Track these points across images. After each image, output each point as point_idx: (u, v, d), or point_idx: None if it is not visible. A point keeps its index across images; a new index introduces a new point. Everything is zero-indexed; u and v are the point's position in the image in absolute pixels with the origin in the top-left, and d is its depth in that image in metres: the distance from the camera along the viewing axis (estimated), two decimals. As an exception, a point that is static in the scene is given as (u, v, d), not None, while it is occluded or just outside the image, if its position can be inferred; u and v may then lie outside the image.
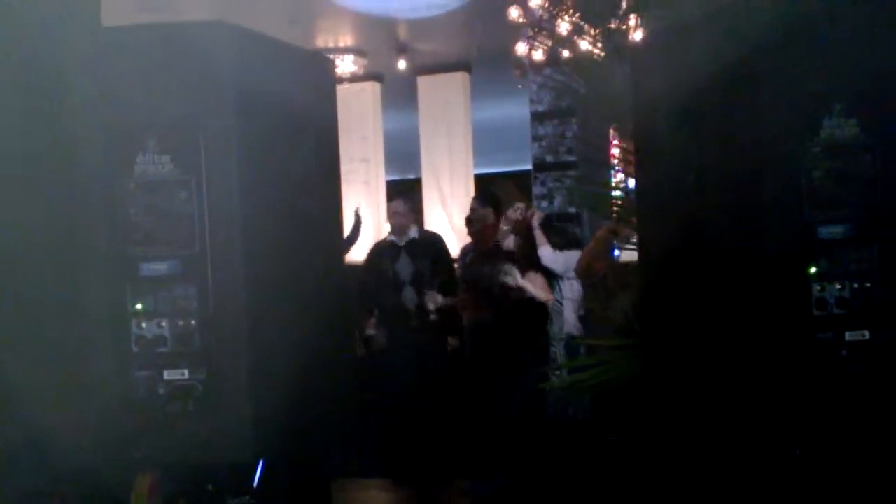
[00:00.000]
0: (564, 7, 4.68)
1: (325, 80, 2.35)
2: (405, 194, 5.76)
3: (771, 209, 2.01)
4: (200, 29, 1.96)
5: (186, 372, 1.96)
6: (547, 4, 4.81)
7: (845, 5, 1.98)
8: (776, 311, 2.03)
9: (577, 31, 4.91)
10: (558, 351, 4.85)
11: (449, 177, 10.05)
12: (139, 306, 1.95)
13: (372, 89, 10.21)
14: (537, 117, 7.89)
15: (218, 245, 1.94)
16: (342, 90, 9.77)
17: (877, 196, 1.99)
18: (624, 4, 4.27)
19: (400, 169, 12.41)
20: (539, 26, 4.91)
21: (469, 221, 5.84)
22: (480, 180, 10.62)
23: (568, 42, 4.60)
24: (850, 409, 2.01)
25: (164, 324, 1.96)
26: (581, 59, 4.05)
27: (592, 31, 4.66)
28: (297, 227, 2.14)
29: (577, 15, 4.84)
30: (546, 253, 4.79)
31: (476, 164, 10.54)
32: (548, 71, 5.07)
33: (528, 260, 4.78)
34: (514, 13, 5.07)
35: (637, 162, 2.43)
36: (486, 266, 4.78)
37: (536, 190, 8.09)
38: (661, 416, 2.49)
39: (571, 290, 4.87)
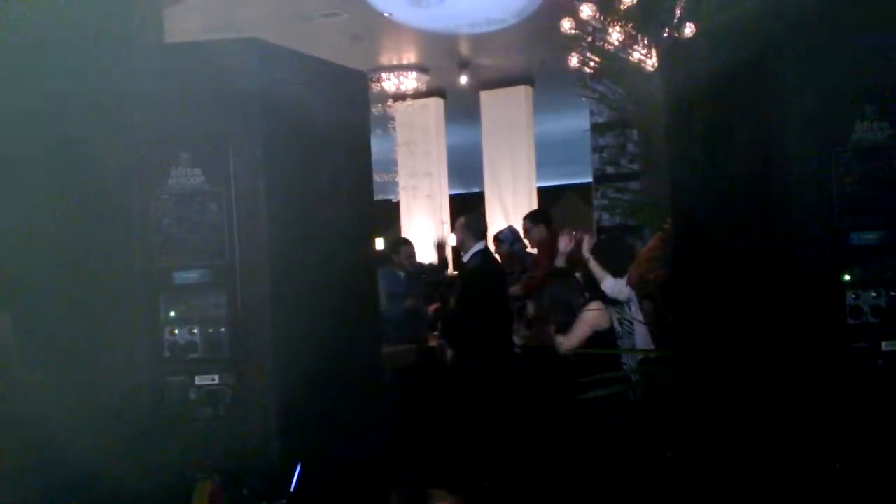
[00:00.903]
0: (616, 17, 4.65)
1: (357, 94, 2.40)
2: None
3: (802, 216, 1.96)
4: (232, 46, 2.03)
5: (217, 377, 2.02)
6: (598, 15, 4.79)
7: (875, 5, 1.92)
8: (810, 321, 1.97)
9: (631, 41, 4.87)
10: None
11: (512, 190, 10.07)
12: (172, 313, 2.03)
13: (435, 105, 10.33)
14: (598, 128, 7.83)
15: (246, 255, 2.00)
16: (405, 106, 9.94)
17: (912, 201, 1.92)
18: (678, 13, 4.23)
19: (464, 183, 12.49)
20: (592, 37, 4.88)
21: (498, 241, 5.79)
22: (543, 193, 10.59)
23: (620, 52, 4.56)
24: (889, 421, 1.94)
25: (195, 330, 2.03)
26: (630, 70, 4.01)
27: (645, 41, 4.62)
28: (325, 239, 2.19)
29: (630, 25, 4.81)
30: (608, 285, 4.61)
31: (539, 177, 10.53)
32: (606, 81, 5.04)
33: (591, 290, 4.70)
34: (567, 24, 5.05)
35: (670, 171, 2.40)
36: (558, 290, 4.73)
37: (597, 202, 8.02)
38: (699, 430, 2.44)
39: (641, 309, 4.72)
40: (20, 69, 1.99)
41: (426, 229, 10.15)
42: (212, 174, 2.00)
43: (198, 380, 2.03)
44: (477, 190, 10.91)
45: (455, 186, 11.21)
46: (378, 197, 11.05)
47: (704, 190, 2.22)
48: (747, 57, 2.00)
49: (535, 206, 9.87)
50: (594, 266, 4.60)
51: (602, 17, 4.84)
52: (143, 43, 2.49)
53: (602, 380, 3.36)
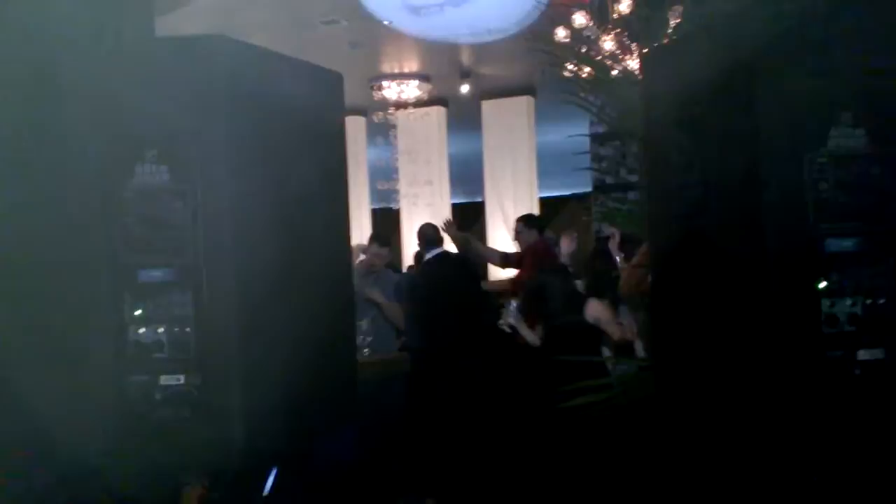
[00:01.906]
0: (609, 27, 4.64)
1: (332, 95, 2.38)
2: None
3: (777, 222, 1.93)
4: (199, 42, 2.01)
5: (182, 378, 2.00)
6: (592, 24, 4.78)
7: (852, 11, 1.89)
8: (785, 329, 1.94)
9: (625, 50, 4.85)
10: None
11: (513, 199, 10.06)
12: (137, 312, 2.00)
13: (436, 113, 10.34)
14: (597, 139, 7.82)
15: (212, 254, 1.97)
16: (407, 114, 9.95)
17: (888, 208, 1.89)
18: (672, 23, 4.21)
19: (466, 192, 12.47)
20: (585, 46, 4.86)
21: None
22: (545, 203, 10.58)
23: (612, 62, 4.54)
24: (865, 431, 1.90)
25: (161, 330, 2.00)
26: (617, 81, 3.98)
27: (639, 51, 4.59)
28: (296, 240, 2.16)
29: (624, 34, 4.79)
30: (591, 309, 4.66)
31: (542, 187, 10.52)
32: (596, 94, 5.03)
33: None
34: (561, 33, 5.04)
35: (648, 177, 2.37)
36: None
37: (597, 210, 8.00)
38: (677, 439, 2.40)
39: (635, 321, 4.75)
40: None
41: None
42: (178, 172, 1.98)
43: (163, 380, 2.00)
44: (478, 199, 10.89)
45: (457, 195, 11.20)
46: (379, 205, 11.07)
47: (681, 196, 2.19)
48: (724, 63, 1.98)
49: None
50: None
51: (596, 26, 4.83)
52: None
53: (588, 386, 3.33)
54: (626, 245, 4.82)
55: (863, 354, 1.91)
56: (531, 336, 4.84)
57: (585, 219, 8.56)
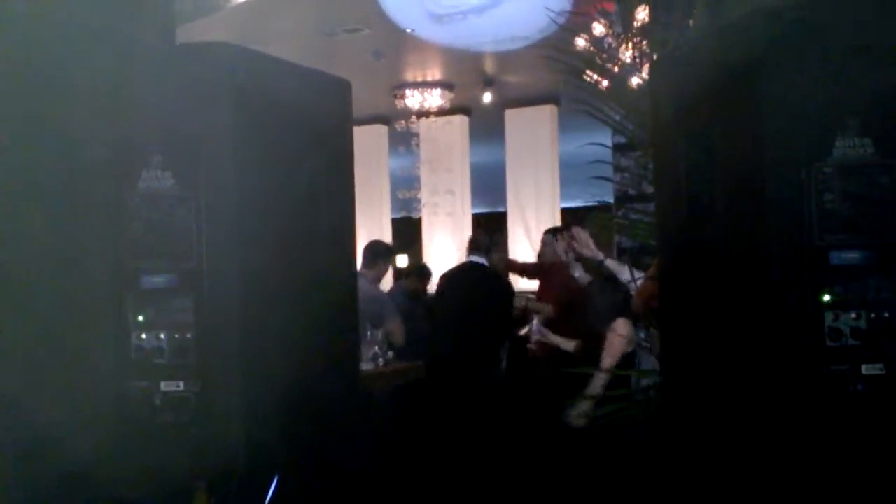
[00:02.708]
0: (629, 35, 4.61)
1: (340, 103, 2.39)
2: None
3: (781, 234, 1.91)
4: (206, 49, 2.03)
5: (182, 384, 2.01)
6: (611, 33, 4.75)
7: (858, 18, 1.87)
8: (788, 342, 1.91)
9: (645, 58, 4.82)
10: None
11: (535, 209, 10.03)
12: (140, 318, 2.02)
13: (459, 122, 10.36)
14: (619, 149, 7.75)
15: (214, 260, 1.99)
16: (429, 123, 9.97)
17: (895, 221, 1.85)
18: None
19: (489, 201, 12.46)
20: (605, 55, 4.84)
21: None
22: (567, 214, 10.53)
23: (630, 71, 4.52)
24: (867, 447, 1.87)
25: (162, 335, 2.01)
26: (629, 92, 3.96)
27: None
28: (300, 248, 2.17)
29: (644, 43, 4.77)
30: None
31: (564, 197, 10.48)
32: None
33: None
34: (581, 42, 5.02)
35: (655, 187, 2.36)
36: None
37: (618, 222, 7.92)
38: (683, 452, 2.38)
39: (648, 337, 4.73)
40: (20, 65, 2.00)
41: (447, 247, 10.13)
42: (182, 178, 2.00)
43: (163, 385, 2.01)
44: (500, 209, 10.88)
45: (479, 205, 11.20)
46: (400, 214, 11.10)
47: (687, 205, 2.17)
48: (729, 70, 1.96)
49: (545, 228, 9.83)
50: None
51: (615, 36, 4.81)
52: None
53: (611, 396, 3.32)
54: (643, 257, 4.80)
55: (867, 369, 1.87)
56: (567, 345, 4.87)
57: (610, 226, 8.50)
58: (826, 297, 1.88)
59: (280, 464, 2.19)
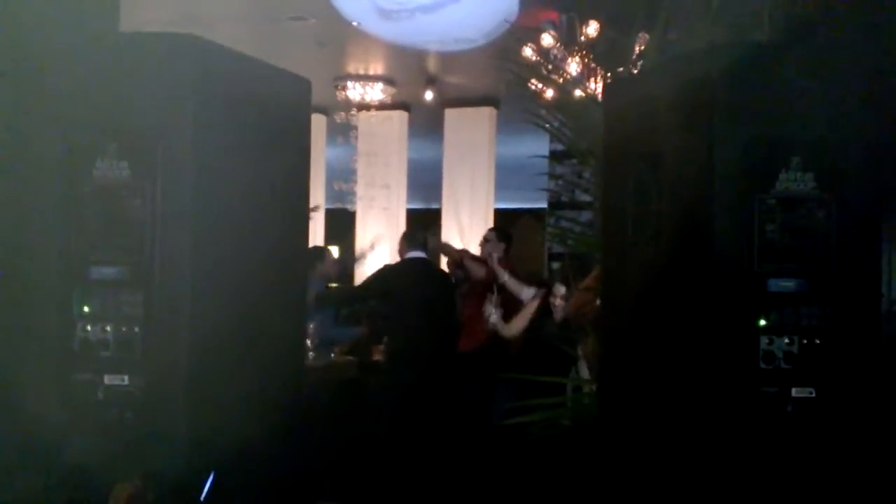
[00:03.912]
0: (576, 49, 4.72)
1: (299, 100, 2.38)
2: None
3: (722, 259, 2.00)
4: (167, 40, 2.00)
5: (127, 378, 1.98)
6: (559, 44, 4.85)
7: (803, 61, 1.97)
8: (725, 363, 2.00)
9: (591, 73, 4.94)
10: None
11: (469, 209, 10.09)
12: (86, 309, 1.98)
13: (399, 118, 10.33)
14: (556, 156, 7.89)
15: (167, 254, 1.96)
16: (369, 116, 9.92)
17: (830, 252, 1.96)
18: (637, 49, 4.29)
19: (422, 198, 12.48)
20: (551, 66, 4.94)
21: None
22: (499, 215, 10.64)
23: (578, 84, 4.62)
24: (794, 465, 1.97)
25: (108, 328, 1.98)
26: (578, 104, 4.06)
27: (602, 74, 4.68)
28: (255, 244, 2.16)
29: (589, 57, 4.88)
30: (527, 294, 4.88)
31: (498, 199, 10.58)
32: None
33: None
34: (528, 52, 5.10)
35: (603, 203, 2.43)
36: None
37: (551, 229, 8.07)
38: (617, 462, 2.45)
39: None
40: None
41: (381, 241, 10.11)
42: (139, 168, 1.97)
43: (107, 379, 1.98)
44: (435, 206, 10.92)
45: (413, 201, 11.20)
46: (335, 206, 11.00)
47: (634, 225, 2.24)
48: (684, 98, 2.04)
49: (490, 226, 9.94)
50: (510, 282, 4.98)
51: (562, 48, 4.91)
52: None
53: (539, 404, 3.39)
54: (577, 266, 4.95)
55: (797, 392, 1.98)
56: (527, 293, 5.04)
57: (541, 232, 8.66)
58: (762, 322, 1.98)
59: (221, 461, 2.17)
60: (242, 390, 2.11)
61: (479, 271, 5.36)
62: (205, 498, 2.29)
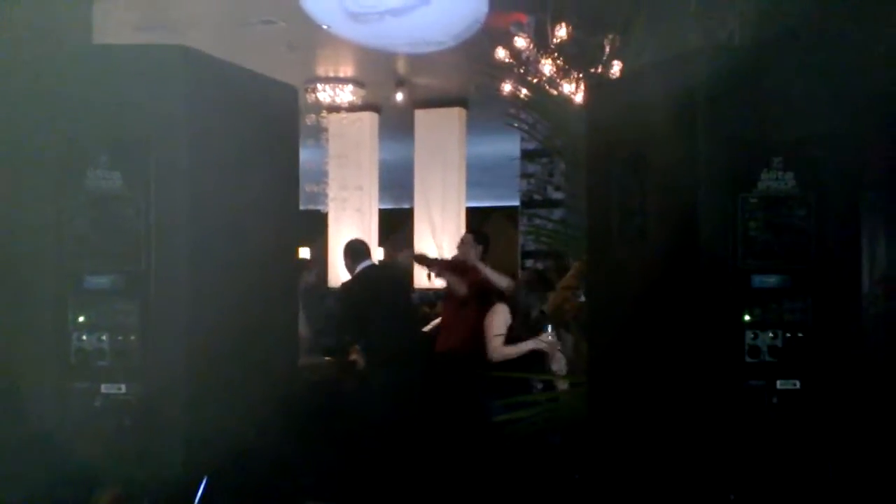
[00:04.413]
0: (548, 50, 4.77)
1: (287, 108, 2.40)
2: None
3: (707, 256, 2.05)
4: (159, 51, 2.01)
5: (124, 387, 1.99)
6: (532, 47, 4.91)
7: (785, 64, 2.03)
8: (711, 357, 2.06)
9: (563, 74, 5.00)
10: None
11: (441, 208, 10.14)
12: (81, 318, 1.98)
13: (369, 119, 10.35)
14: (527, 155, 7.97)
15: (162, 263, 1.97)
16: (339, 118, 9.92)
17: (811, 249, 2.03)
18: (607, 49, 4.36)
19: (394, 198, 12.51)
20: (524, 67, 5.00)
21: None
22: (471, 213, 10.70)
23: (551, 85, 4.69)
24: (780, 456, 2.04)
25: (104, 337, 1.98)
26: (556, 104, 4.11)
27: (575, 75, 4.75)
28: (247, 251, 2.18)
29: (561, 59, 4.94)
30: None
31: (468, 198, 10.64)
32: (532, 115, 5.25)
33: None
34: (501, 53, 5.15)
35: (588, 204, 2.48)
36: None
37: (522, 227, 8.15)
38: (605, 457, 2.51)
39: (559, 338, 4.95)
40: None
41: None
42: (131, 179, 1.97)
43: (104, 388, 1.98)
44: (407, 206, 10.94)
45: (385, 201, 11.22)
46: (307, 207, 10.99)
47: (620, 225, 2.29)
48: (669, 102, 2.09)
49: (462, 225, 10.00)
50: (492, 274, 5.08)
51: (535, 49, 4.97)
52: (70, 43, 2.45)
53: (519, 402, 3.44)
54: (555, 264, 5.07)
55: (781, 384, 2.04)
56: (501, 281, 5.14)
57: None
58: (747, 317, 2.05)
59: (217, 465, 2.18)
60: (239, 395, 2.12)
61: (460, 289, 5.42)
62: (198, 502, 2.30)
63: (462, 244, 5.80)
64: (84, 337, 1.99)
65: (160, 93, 1.96)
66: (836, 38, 2.09)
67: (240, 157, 2.14)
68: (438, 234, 9.92)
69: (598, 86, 2.92)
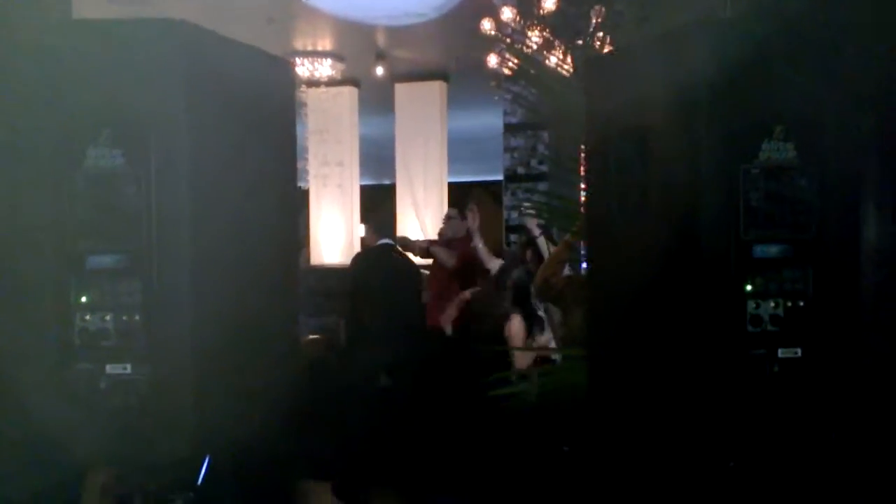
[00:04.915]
0: (535, 22, 4.76)
1: (284, 83, 2.37)
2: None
3: (709, 227, 2.07)
4: (156, 26, 1.97)
5: (129, 367, 1.97)
6: (518, 18, 4.89)
7: (783, 33, 2.04)
8: (713, 327, 2.08)
9: (548, 46, 4.99)
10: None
11: (423, 184, 10.12)
12: (84, 299, 1.96)
13: (349, 94, 10.27)
14: (510, 129, 7.96)
15: (164, 241, 1.95)
16: (319, 93, 9.84)
17: (812, 219, 2.05)
18: (594, 21, 4.36)
19: (375, 174, 12.45)
20: (510, 39, 4.98)
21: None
22: (454, 188, 10.69)
23: (538, 56, 4.67)
24: (781, 424, 2.07)
25: (108, 317, 1.96)
26: (546, 74, 4.10)
27: (562, 47, 4.74)
28: (248, 228, 2.16)
29: (547, 30, 4.93)
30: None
31: (450, 173, 10.61)
32: (521, 83, 5.24)
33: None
34: (487, 25, 5.13)
35: (587, 178, 2.48)
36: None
37: (507, 201, 8.16)
38: (604, 428, 2.54)
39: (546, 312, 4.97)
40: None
41: (335, 219, 10.08)
42: (132, 156, 1.95)
43: (109, 368, 1.97)
44: (388, 182, 10.90)
45: (366, 177, 11.17)
46: (287, 184, 10.91)
47: (619, 198, 2.30)
48: (665, 75, 2.09)
49: (445, 200, 9.99)
50: (483, 250, 5.12)
51: (521, 21, 4.95)
52: (57, 17, 2.40)
53: (506, 378, 3.47)
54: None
55: (782, 353, 2.07)
56: (493, 263, 5.17)
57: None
58: (749, 287, 2.07)
59: (222, 445, 2.18)
60: (244, 374, 2.12)
61: (448, 259, 5.45)
62: (201, 481, 2.30)
63: (447, 220, 5.81)
64: (87, 317, 1.97)
65: (158, 68, 1.93)
66: (834, 9, 2.10)
67: (239, 133, 2.11)
68: (421, 210, 9.91)
69: (595, 59, 2.91)
